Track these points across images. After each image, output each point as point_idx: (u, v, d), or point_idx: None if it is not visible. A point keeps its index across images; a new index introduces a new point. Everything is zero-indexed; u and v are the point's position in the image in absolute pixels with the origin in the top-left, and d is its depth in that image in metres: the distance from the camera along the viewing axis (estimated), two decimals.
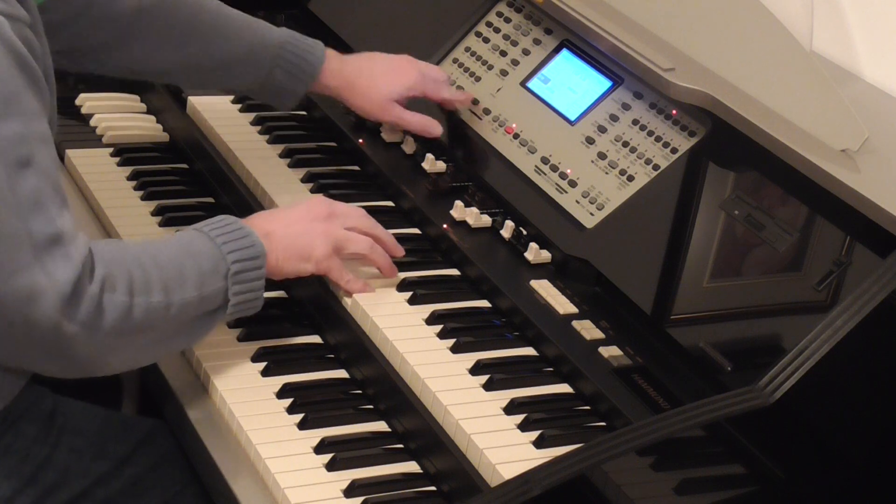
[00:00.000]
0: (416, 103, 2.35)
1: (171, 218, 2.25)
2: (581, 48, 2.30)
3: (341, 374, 1.98)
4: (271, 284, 2.13)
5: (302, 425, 1.85)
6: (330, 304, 2.04)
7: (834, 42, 2.44)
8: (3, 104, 1.64)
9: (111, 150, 2.47)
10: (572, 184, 2.17)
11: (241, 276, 1.85)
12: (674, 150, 2.11)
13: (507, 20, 2.43)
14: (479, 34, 2.45)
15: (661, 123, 2.14)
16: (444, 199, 2.23)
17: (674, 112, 2.14)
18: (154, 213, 2.28)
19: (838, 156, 1.97)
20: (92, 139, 2.50)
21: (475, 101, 2.36)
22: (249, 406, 1.87)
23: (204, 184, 2.39)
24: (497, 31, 2.43)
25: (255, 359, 1.96)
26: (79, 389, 2.15)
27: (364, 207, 2.17)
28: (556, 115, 2.26)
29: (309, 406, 1.88)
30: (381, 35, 2.58)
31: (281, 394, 1.90)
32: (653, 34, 2.23)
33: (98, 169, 2.41)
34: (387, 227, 2.17)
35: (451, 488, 1.78)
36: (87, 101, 2.58)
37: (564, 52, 2.32)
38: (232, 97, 2.53)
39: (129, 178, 2.38)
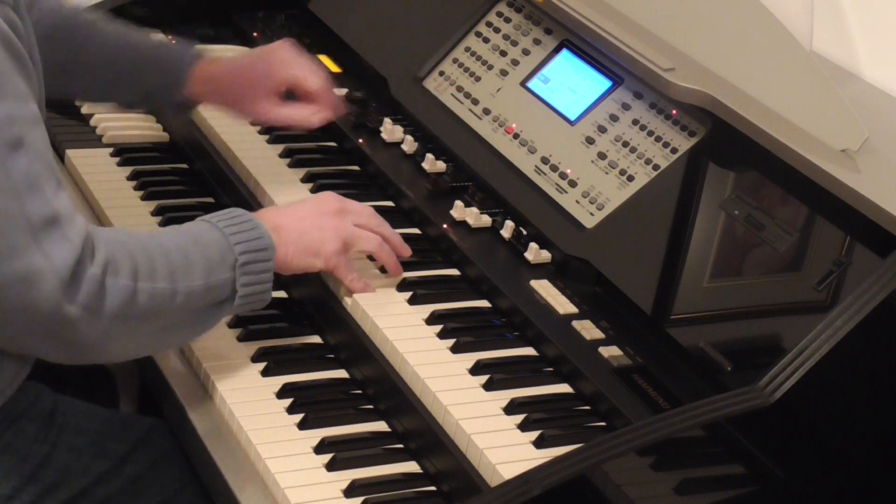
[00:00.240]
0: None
1: (171, 218, 2.25)
2: (581, 48, 2.30)
3: (341, 374, 1.98)
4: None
5: (302, 425, 1.85)
6: (330, 305, 2.04)
7: (834, 42, 2.44)
8: None
9: (111, 150, 2.47)
10: (572, 184, 2.17)
11: (248, 268, 1.84)
12: (674, 150, 2.11)
13: (507, 20, 2.43)
14: (479, 34, 2.45)
15: (661, 123, 2.15)
16: (444, 199, 2.23)
17: (674, 112, 2.14)
18: (154, 213, 2.28)
19: (838, 156, 1.97)
20: (92, 139, 2.50)
21: (475, 101, 2.36)
22: (249, 406, 1.87)
23: (204, 184, 2.39)
24: (497, 31, 2.43)
25: (255, 359, 1.96)
26: (78, 388, 2.16)
27: None
28: (556, 115, 2.26)
29: (309, 406, 1.88)
30: (381, 35, 2.58)
31: (281, 394, 1.90)
32: (653, 34, 2.23)
33: (98, 169, 2.40)
34: None
35: (451, 488, 1.78)
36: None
37: (564, 52, 2.32)
38: None
39: (129, 178, 2.38)
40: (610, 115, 2.21)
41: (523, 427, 1.81)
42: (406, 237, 2.16)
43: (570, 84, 2.28)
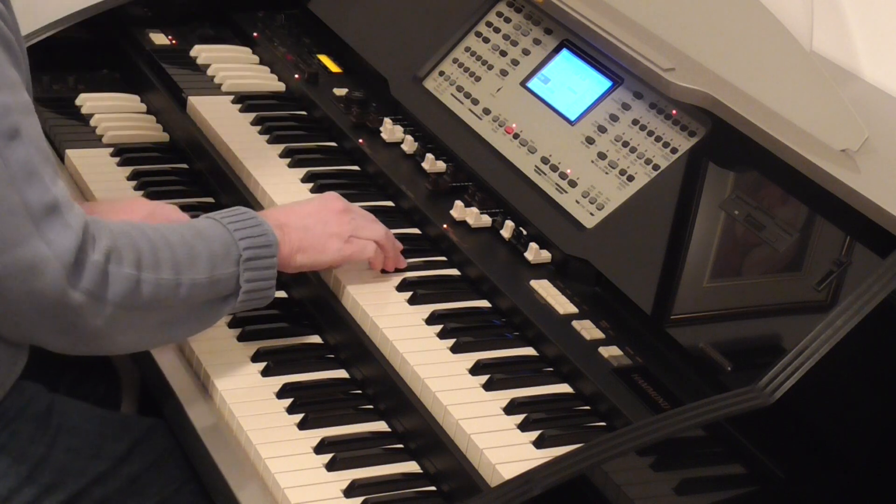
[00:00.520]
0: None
1: None
2: (581, 48, 2.30)
3: (341, 374, 1.98)
4: None
5: (302, 425, 1.85)
6: (330, 304, 2.04)
7: (834, 42, 2.44)
8: None
9: (111, 150, 2.47)
10: (572, 184, 2.17)
11: (252, 263, 1.85)
12: (674, 150, 2.11)
13: (507, 20, 2.43)
14: (479, 34, 2.45)
15: (661, 123, 2.14)
16: (444, 199, 2.23)
17: (674, 112, 2.14)
18: None
19: (838, 156, 1.96)
20: (92, 139, 2.50)
21: (475, 101, 2.36)
22: (249, 406, 1.87)
23: (204, 184, 2.39)
24: (497, 31, 2.43)
25: (255, 359, 1.96)
26: (79, 388, 2.16)
27: (364, 207, 2.17)
28: (556, 115, 2.26)
29: (309, 406, 1.88)
30: (381, 35, 2.58)
31: (281, 394, 1.90)
32: (653, 34, 2.23)
33: (98, 169, 2.41)
34: (387, 227, 2.18)
35: (451, 488, 1.78)
36: (87, 101, 2.58)
37: (564, 52, 2.32)
38: (232, 97, 2.53)
39: (129, 178, 2.38)
40: (610, 115, 2.21)
41: (523, 427, 1.81)
42: (406, 237, 2.17)
43: (570, 84, 2.28)
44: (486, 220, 2.18)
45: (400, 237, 2.15)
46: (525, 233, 2.14)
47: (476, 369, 1.90)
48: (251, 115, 2.48)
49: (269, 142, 2.41)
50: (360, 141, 2.39)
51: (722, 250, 1.99)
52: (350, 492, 1.74)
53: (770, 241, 1.91)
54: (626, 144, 2.16)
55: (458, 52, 2.46)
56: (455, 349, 1.94)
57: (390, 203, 2.27)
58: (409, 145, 2.36)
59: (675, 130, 2.12)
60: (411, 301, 2.03)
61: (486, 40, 2.43)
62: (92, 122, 2.54)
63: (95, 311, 1.70)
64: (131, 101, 2.62)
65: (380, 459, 1.81)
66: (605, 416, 1.83)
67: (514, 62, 2.37)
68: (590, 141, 2.20)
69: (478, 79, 2.40)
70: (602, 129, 2.20)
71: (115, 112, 2.57)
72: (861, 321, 1.71)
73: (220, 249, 1.82)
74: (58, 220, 1.66)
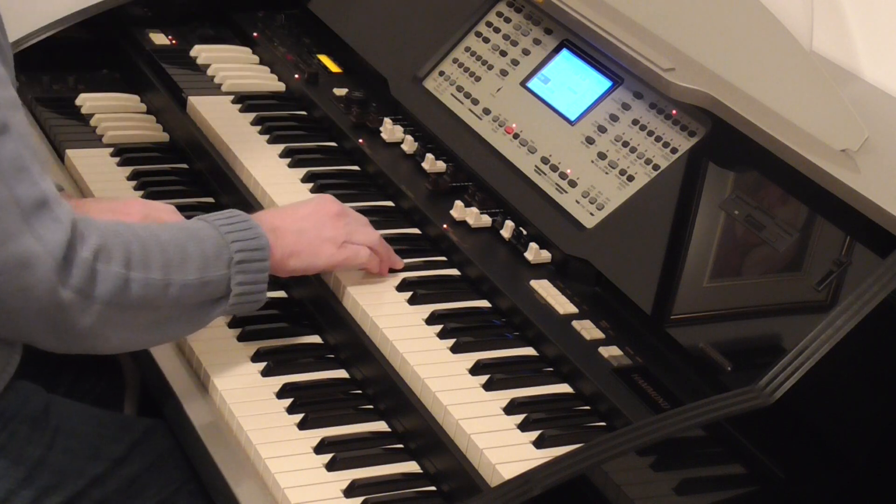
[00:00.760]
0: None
1: None
2: (581, 48, 2.30)
3: (341, 374, 1.98)
4: (272, 284, 2.13)
5: (302, 425, 1.85)
6: (330, 304, 2.04)
7: (834, 42, 2.44)
8: None
9: (111, 150, 2.47)
10: (572, 184, 2.17)
11: (244, 266, 1.84)
12: (674, 150, 2.11)
13: (507, 20, 2.43)
14: (479, 34, 2.45)
15: (661, 123, 2.14)
16: (444, 199, 2.23)
17: (674, 112, 2.14)
18: None
19: (838, 156, 1.96)
20: (92, 139, 2.50)
21: (475, 101, 2.36)
22: (249, 406, 1.87)
23: (204, 184, 2.39)
24: (497, 31, 2.43)
25: (255, 359, 1.96)
26: (77, 390, 2.15)
27: (364, 207, 2.18)
28: (556, 115, 2.26)
29: (309, 406, 1.88)
30: (381, 35, 2.58)
31: (281, 394, 1.90)
32: (653, 34, 2.23)
33: (98, 169, 2.41)
34: (387, 227, 2.18)
35: (451, 488, 1.77)
36: (87, 101, 2.58)
37: (564, 52, 2.32)
38: (232, 97, 2.53)
39: (129, 178, 2.38)
40: (610, 115, 2.21)
41: (523, 427, 1.81)
42: (406, 237, 2.17)
43: (570, 84, 2.28)
44: (486, 220, 2.18)
45: (400, 237, 2.15)
46: (525, 233, 2.14)
47: (476, 369, 1.90)
48: (251, 115, 2.48)
49: (269, 142, 2.41)
50: (360, 141, 2.39)
51: (722, 250, 1.99)
52: (350, 492, 1.74)
53: (770, 241, 1.91)
54: (626, 144, 2.16)
55: (458, 52, 2.46)
56: (455, 349, 1.94)
57: (390, 203, 2.27)
58: (409, 145, 2.36)
59: (675, 130, 2.12)
60: (411, 301, 2.03)
61: (486, 40, 2.43)
62: (92, 122, 2.54)
63: (84, 309, 1.70)
64: (131, 101, 2.62)
65: (380, 459, 1.81)
66: (605, 416, 1.83)
67: (514, 62, 2.37)
68: (590, 141, 2.20)
69: (478, 79, 2.40)
70: (602, 129, 2.20)
71: (115, 112, 2.57)
72: (861, 321, 1.71)
73: (212, 251, 1.82)
74: (47, 215, 1.66)
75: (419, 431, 1.84)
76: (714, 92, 2.06)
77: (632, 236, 2.06)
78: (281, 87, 2.60)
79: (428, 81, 2.45)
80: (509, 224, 2.16)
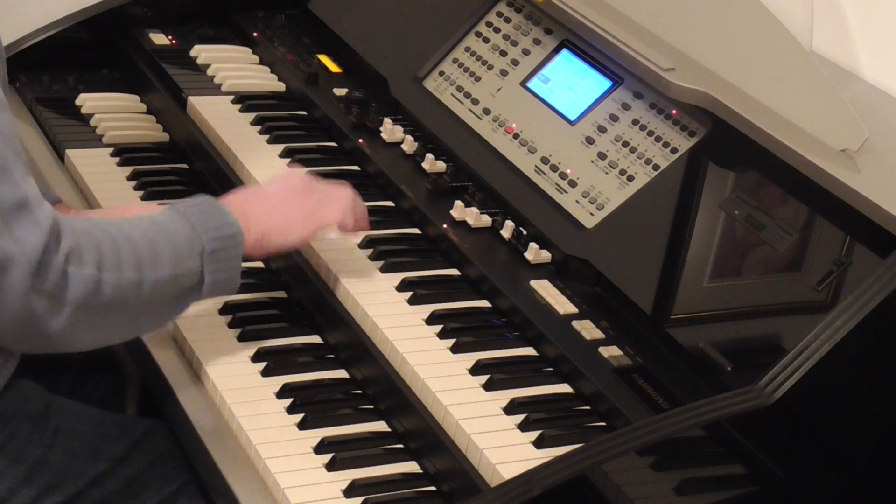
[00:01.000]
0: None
1: None
2: (581, 48, 2.30)
3: (341, 374, 1.98)
4: (271, 284, 2.13)
5: (302, 425, 1.85)
6: (330, 304, 2.04)
7: (834, 42, 2.44)
8: None
9: (111, 150, 2.47)
10: (572, 184, 2.17)
11: (216, 255, 1.84)
12: (674, 150, 2.11)
13: (507, 20, 2.43)
14: (479, 34, 2.45)
15: (661, 123, 2.14)
16: (444, 199, 2.23)
17: (674, 112, 2.14)
18: None
19: (838, 156, 1.96)
20: (92, 139, 2.50)
21: (475, 101, 2.36)
22: (249, 406, 1.87)
23: (204, 184, 2.39)
24: (497, 31, 2.43)
25: (255, 359, 1.96)
26: (78, 390, 2.15)
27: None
28: (556, 115, 2.26)
29: (309, 406, 1.88)
30: (381, 35, 2.58)
31: (281, 394, 1.90)
32: (653, 34, 2.23)
33: (98, 169, 2.40)
34: (387, 227, 2.18)
35: (451, 488, 1.77)
36: (87, 101, 2.58)
37: (564, 52, 2.32)
38: (232, 97, 2.53)
39: (129, 178, 2.38)
40: (610, 115, 2.21)
41: (523, 427, 1.81)
42: (406, 237, 2.17)
43: (570, 84, 2.28)
44: (486, 220, 2.18)
45: (400, 237, 2.16)
46: (525, 233, 2.14)
47: (476, 369, 1.90)
48: (251, 115, 2.48)
49: (269, 142, 2.41)
50: (360, 141, 2.39)
51: (722, 250, 1.99)
52: (350, 492, 1.74)
53: (770, 241, 1.91)
54: (626, 144, 2.16)
55: (458, 52, 2.46)
56: (455, 349, 1.94)
57: (390, 203, 2.27)
58: (409, 145, 2.36)
59: (675, 130, 2.12)
60: (411, 301, 2.03)
61: (486, 40, 2.43)
62: (92, 122, 2.54)
63: (55, 313, 1.68)
64: (131, 101, 2.62)
65: (380, 459, 1.81)
66: (605, 416, 1.83)
67: (514, 62, 2.37)
68: (590, 141, 2.20)
69: (478, 79, 2.40)
70: (602, 129, 2.20)
71: (115, 112, 2.57)
72: (861, 321, 1.71)
73: (184, 245, 1.81)
74: (27, 218, 1.65)
75: (419, 431, 1.84)
76: (714, 92, 2.06)
77: (632, 236, 2.06)
78: (281, 87, 2.60)
79: (428, 81, 2.45)
80: (509, 224, 2.16)
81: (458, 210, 2.19)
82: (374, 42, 2.57)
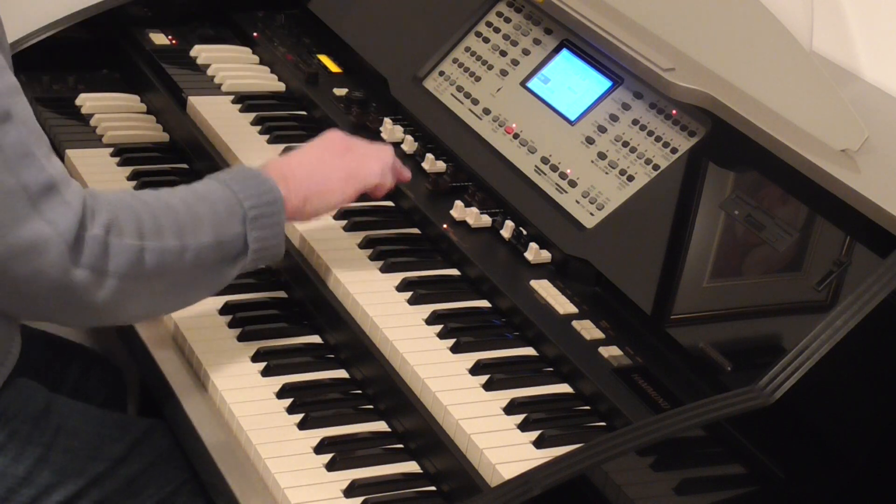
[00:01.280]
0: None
1: None
2: (581, 48, 2.30)
3: (341, 374, 1.98)
4: (271, 284, 2.13)
5: (302, 425, 1.85)
6: (330, 305, 2.04)
7: (834, 42, 2.44)
8: None
9: (111, 150, 2.47)
10: (572, 184, 2.17)
11: (260, 222, 1.84)
12: (674, 150, 2.11)
13: (507, 20, 2.43)
14: (479, 34, 2.45)
15: (661, 123, 2.14)
16: (444, 199, 2.23)
17: (674, 112, 2.14)
18: None
19: (838, 156, 1.97)
20: (92, 139, 2.50)
21: (475, 101, 2.36)
22: (249, 406, 1.87)
23: None
24: (497, 31, 2.43)
25: (255, 359, 1.96)
26: (80, 390, 2.16)
27: (364, 207, 2.18)
28: (556, 115, 2.26)
29: (309, 406, 1.88)
30: (381, 35, 2.58)
31: (281, 394, 1.90)
32: (653, 34, 2.23)
33: (98, 169, 2.41)
34: (386, 227, 2.18)
35: (451, 488, 1.78)
36: (87, 101, 2.58)
37: (564, 52, 2.32)
38: (232, 97, 2.53)
39: (129, 178, 2.38)
40: (610, 115, 2.21)
41: (523, 427, 1.81)
42: (406, 237, 2.17)
43: (570, 84, 2.28)
44: (486, 220, 2.18)
45: (400, 237, 2.16)
46: (525, 233, 2.14)
47: (476, 369, 1.90)
48: (251, 115, 2.48)
49: (269, 142, 2.41)
50: None
51: (722, 250, 1.99)
52: (350, 492, 1.74)
53: (770, 241, 1.91)
54: (626, 144, 2.16)
55: (458, 52, 2.46)
56: (455, 349, 1.94)
57: (390, 203, 2.27)
58: (409, 145, 2.36)
59: (675, 130, 2.12)
60: (411, 301, 2.03)
61: (486, 40, 2.43)
62: (92, 122, 2.54)
63: (99, 285, 1.70)
64: (131, 101, 2.62)
65: (380, 459, 1.81)
66: (605, 416, 1.83)
67: (514, 62, 2.37)
68: (590, 141, 2.20)
69: (478, 79, 2.40)
70: (602, 129, 2.20)
71: (115, 112, 2.57)
72: (861, 321, 1.71)
73: (224, 210, 1.82)
74: (56, 199, 1.66)
75: (419, 431, 1.84)
76: (714, 92, 2.06)
77: (632, 236, 2.06)
78: (281, 87, 2.60)
79: (428, 81, 2.45)
80: (509, 224, 2.16)
81: (458, 210, 2.19)
82: (374, 42, 2.57)
